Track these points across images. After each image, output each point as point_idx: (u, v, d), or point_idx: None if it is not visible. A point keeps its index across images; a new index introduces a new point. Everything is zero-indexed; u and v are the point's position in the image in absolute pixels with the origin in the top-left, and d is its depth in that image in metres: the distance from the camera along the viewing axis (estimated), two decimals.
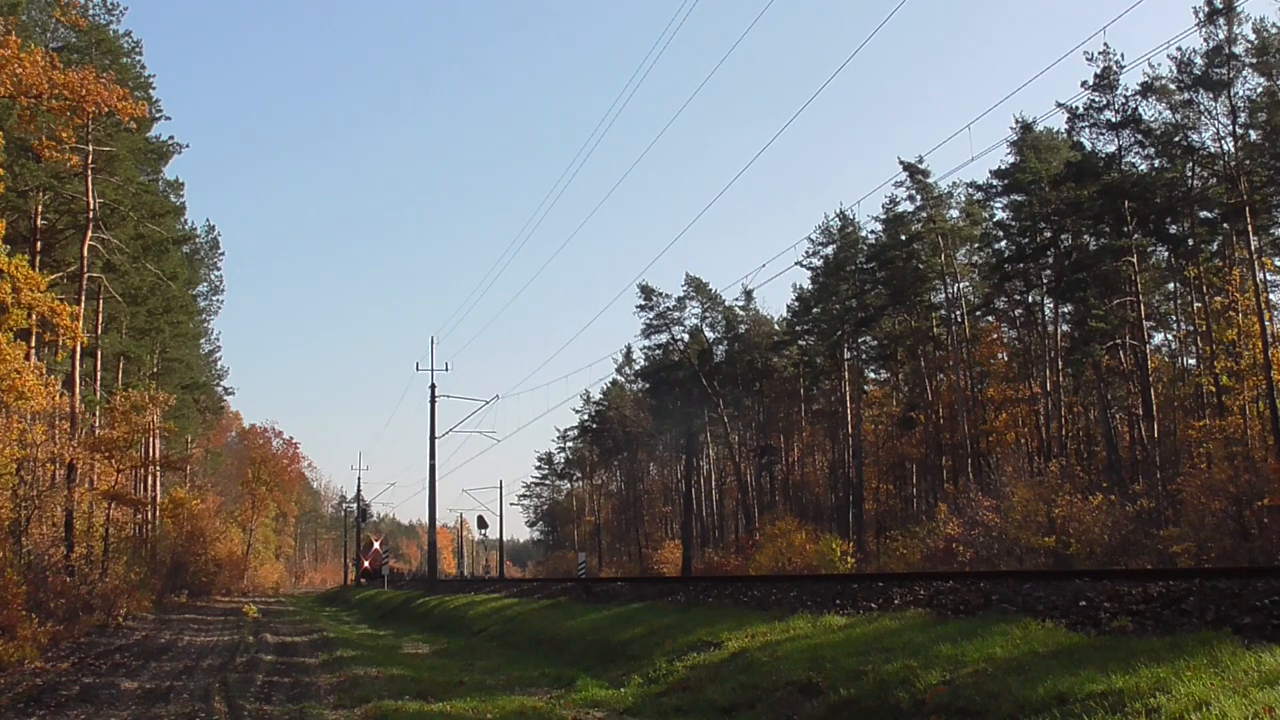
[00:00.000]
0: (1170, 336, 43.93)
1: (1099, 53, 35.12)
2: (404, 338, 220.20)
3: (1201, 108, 32.65)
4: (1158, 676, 6.36)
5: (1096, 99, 35.72)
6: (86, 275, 31.73)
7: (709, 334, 59.75)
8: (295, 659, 17.39)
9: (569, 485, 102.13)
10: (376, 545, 72.34)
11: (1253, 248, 31.10)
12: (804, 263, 50.66)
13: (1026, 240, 41.11)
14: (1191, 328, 39.37)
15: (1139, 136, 35.51)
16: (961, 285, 46.23)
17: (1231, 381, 31.62)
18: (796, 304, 56.39)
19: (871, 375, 56.33)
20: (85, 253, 31.67)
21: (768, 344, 58.36)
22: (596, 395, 79.61)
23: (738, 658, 11.11)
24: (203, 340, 59.43)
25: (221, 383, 65.65)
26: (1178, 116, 33.85)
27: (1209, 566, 17.46)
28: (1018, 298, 44.36)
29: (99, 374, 37.42)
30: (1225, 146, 32.52)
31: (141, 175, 38.01)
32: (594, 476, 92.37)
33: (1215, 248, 36.26)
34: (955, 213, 46.35)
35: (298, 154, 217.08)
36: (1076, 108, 36.60)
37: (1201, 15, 31.56)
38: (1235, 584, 8.67)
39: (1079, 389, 42.83)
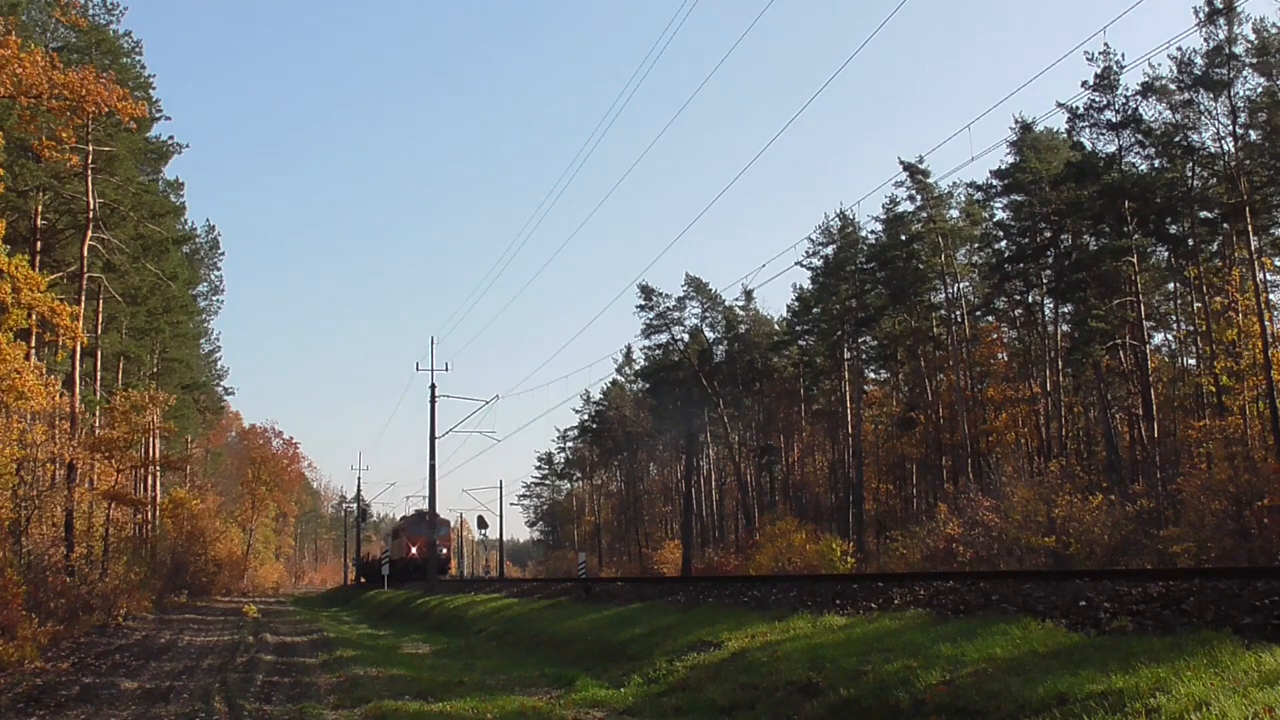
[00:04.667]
0: (1170, 336, 43.99)
1: (1099, 53, 35.17)
2: (404, 338, 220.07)
3: (1201, 108, 32.66)
4: (1158, 676, 6.36)
5: (1096, 99, 35.75)
6: (86, 275, 31.73)
7: (709, 334, 59.82)
8: (295, 659, 17.39)
9: (569, 485, 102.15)
10: (427, 517, 47.16)
11: (1253, 248, 31.11)
12: (804, 263, 50.73)
13: (1026, 240, 41.12)
14: (1191, 328, 39.36)
15: (1139, 136, 35.50)
16: (961, 285, 46.24)
17: (1231, 381, 31.61)
18: (796, 304, 56.44)
19: (871, 375, 56.35)
20: (85, 253, 31.68)
21: (768, 344, 58.36)
22: (596, 395, 79.70)
23: (738, 658, 11.10)
24: (203, 340, 59.47)
25: (221, 383, 65.72)
26: (1178, 116, 33.86)
27: (1209, 566, 17.46)
28: (1018, 298, 44.37)
29: (99, 374, 37.43)
30: (1225, 146, 32.54)
31: (141, 175, 38.02)
32: (594, 476, 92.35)
33: (1215, 248, 36.26)
34: (955, 213, 46.38)
35: (298, 154, 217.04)
36: (1076, 108, 36.65)
37: (1201, 15, 31.57)
38: (1235, 584, 8.67)
39: (1079, 389, 42.84)
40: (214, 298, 58.83)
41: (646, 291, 56.58)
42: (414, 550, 43.86)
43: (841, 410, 50.26)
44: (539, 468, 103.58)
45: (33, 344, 27.94)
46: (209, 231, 56.57)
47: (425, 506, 48.30)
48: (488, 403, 49.57)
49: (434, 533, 42.06)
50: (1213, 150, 33.31)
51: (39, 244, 32.01)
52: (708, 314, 59.08)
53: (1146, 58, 51.38)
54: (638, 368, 70.67)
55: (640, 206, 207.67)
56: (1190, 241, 35.56)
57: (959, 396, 43.14)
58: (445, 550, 46.52)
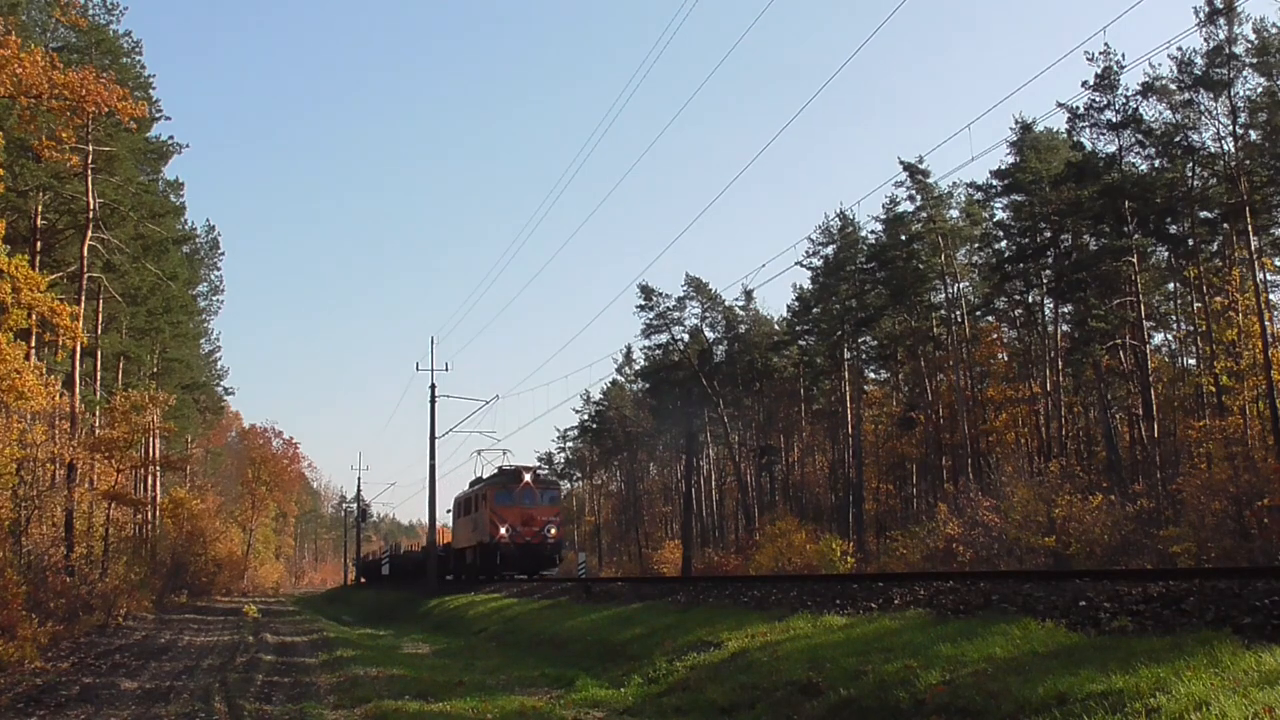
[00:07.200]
0: (1170, 336, 43.98)
1: (1099, 53, 35.17)
2: (404, 338, 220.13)
3: (1202, 108, 32.67)
4: (1158, 676, 6.36)
5: (1097, 99, 35.74)
6: (86, 275, 31.71)
7: (709, 334, 59.77)
8: (295, 659, 17.38)
9: (569, 485, 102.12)
10: (528, 477, 30.88)
11: (1253, 248, 31.11)
12: (804, 263, 50.74)
13: (1026, 240, 41.12)
14: (1191, 328, 39.37)
15: (1139, 136, 35.51)
16: (961, 285, 46.23)
17: (1231, 381, 31.62)
18: (796, 304, 56.47)
19: (871, 375, 56.35)
20: (85, 253, 31.66)
21: (768, 344, 58.36)
22: (596, 395, 79.61)
23: (738, 658, 11.10)
24: (203, 340, 59.42)
25: (221, 383, 65.64)
26: (1178, 116, 33.86)
27: (1209, 566, 17.47)
28: (1018, 298, 44.36)
29: (99, 374, 37.42)
30: (1225, 146, 32.54)
31: (141, 175, 37.99)
32: (594, 476, 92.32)
33: (1215, 248, 36.27)
34: (955, 213, 46.38)
35: (298, 154, 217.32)
36: (1077, 108, 36.65)
37: (1201, 15, 31.58)
38: (1235, 584, 8.67)
39: (1079, 389, 42.84)
40: (214, 298, 58.81)
41: (646, 291, 56.62)
42: (503, 531, 28.75)
43: (841, 410, 50.25)
44: (539, 468, 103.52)
45: (33, 344, 27.93)
46: (209, 231, 56.55)
47: (516, 462, 32.96)
48: (488, 403, 49.39)
49: (540, 501, 28.97)
50: (1213, 150, 33.32)
51: (39, 244, 32.00)
52: (708, 314, 59.11)
53: (1146, 58, 51.46)
54: (638, 368, 70.67)
55: (640, 206, 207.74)
56: (1190, 241, 35.57)
57: (959, 396, 43.13)
58: (554, 531, 30.38)
